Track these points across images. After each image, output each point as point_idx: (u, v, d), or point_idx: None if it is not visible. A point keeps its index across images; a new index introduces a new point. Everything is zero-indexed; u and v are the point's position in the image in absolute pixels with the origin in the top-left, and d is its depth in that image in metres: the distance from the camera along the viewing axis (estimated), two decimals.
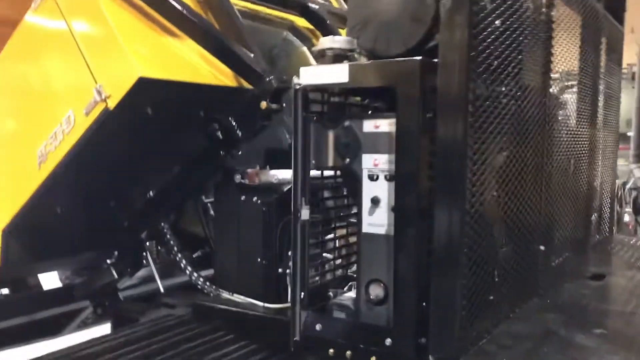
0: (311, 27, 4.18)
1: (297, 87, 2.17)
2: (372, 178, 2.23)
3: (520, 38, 2.25)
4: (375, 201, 2.22)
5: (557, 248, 2.84)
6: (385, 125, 2.20)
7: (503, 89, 2.13)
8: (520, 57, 2.27)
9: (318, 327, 2.32)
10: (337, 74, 2.21)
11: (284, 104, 3.34)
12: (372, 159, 2.23)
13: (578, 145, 3.17)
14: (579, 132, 3.17)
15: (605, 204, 3.92)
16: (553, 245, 2.79)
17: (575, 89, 3.07)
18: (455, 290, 1.90)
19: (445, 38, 1.88)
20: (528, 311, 2.40)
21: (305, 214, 2.16)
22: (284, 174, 3.29)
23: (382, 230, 2.22)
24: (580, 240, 3.36)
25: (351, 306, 2.34)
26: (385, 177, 2.21)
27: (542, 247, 2.60)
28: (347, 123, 2.27)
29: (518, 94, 2.27)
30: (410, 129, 2.08)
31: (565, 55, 2.78)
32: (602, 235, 3.89)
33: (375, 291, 2.24)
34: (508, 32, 2.12)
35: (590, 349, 2.03)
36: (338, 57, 2.31)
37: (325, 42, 2.31)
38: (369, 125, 2.24)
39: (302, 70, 2.29)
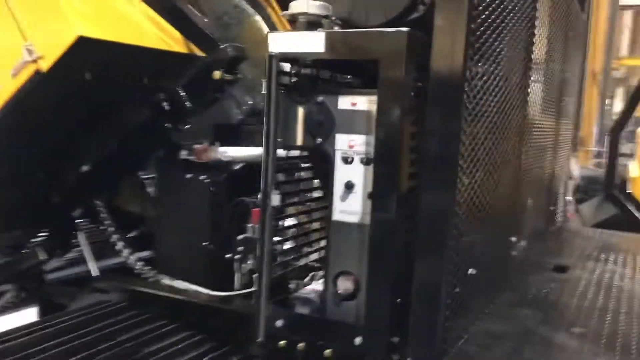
0: None
1: (273, 54, 1.91)
2: (347, 161, 2.01)
3: (510, 18, 2.08)
4: (349, 186, 2.01)
5: (525, 239, 2.73)
6: (363, 102, 1.99)
7: (493, 69, 1.95)
8: (507, 38, 2.10)
9: (279, 323, 2.10)
10: (312, 42, 1.97)
11: (239, 75, 3.09)
12: (347, 140, 2.01)
13: (545, 134, 3.07)
14: (545, 121, 3.07)
15: (561, 193, 3.89)
16: (522, 236, 2.68)
17: (542, 78, 2.95)
18: (440, 286, 1.72)
19: (442, 8, 1.67)
20: (502, 307, 2.28)
21: (275, 199, 1.92)
22: (236, 152, 3.03)
23: (355, 219, 2.01)
24: (541, 230, 3.29)
25: (316, 300, 2.12)
26: (362, 160, 1.99)
27: (513, 239, 2.48)
28: (320, 98, 2.04)
29: (504, 77, 2.10)
30: (393, 108, 1.87)
31: (542, 44, 2.65)
32: (555, 224, 3.86)
33: (345, 284, 2.04)
34: (501, 9, 1.94)
35: (572, 350, 1.91)
36: (312, 24, 2.07)
37: (298, 6, 2.05)
38: (345, 102, 2.01)
39: (272, 36, 2.03)
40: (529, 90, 2.47)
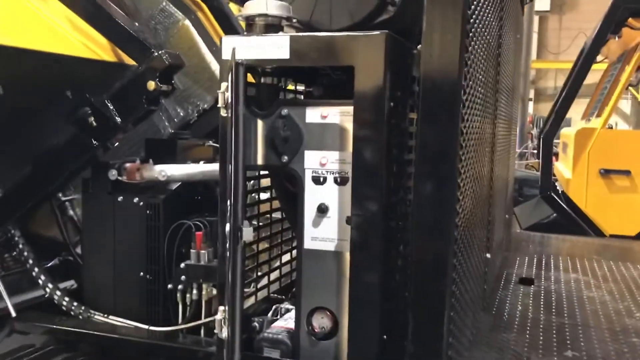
0: None
1: (240, 61, 1.63)
2: (318, 181, 1.77)
3: (488, 20, 1.92)
4: (322, 210, 1.76)
5: (494, 253, 2.59)
6: (334, 114, 1.75)
7: (477, 75, 1.76)
8: (486, 42, 1.93)
9: None
10: (276, 48, 1.71)
11: (175, 86, 2.79)
12: (318, 157, 1.77)
13: (503, 141, 2.95)
14: (503, 134, 2.95)
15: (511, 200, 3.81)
16: (492, 251, 2.53)
17: (505, 83, 2.83)
18: (442, 321, 1.50)
19: (434, 7, 1.45)
20: (484, 332, 2.11)
21: (248, 233, 1.64)
22: (175, 170, 2.73)
23: (330, 246, 1.77)
24: (500, 241, 3.17)
25: (287, 341, 1.86)
26: (335, 179, 1.76)
27: (488, 255, 2.32)
28: (284, 111, 1.78)
29: (484, 83, 1.93)
30: (373, 119, 1.65)
31: (507, 48, 2.52)
32: (510, 234, 3.78)
33: (321, 322, 1.79)
34: (484, 11, 1.76)
35: None
36: (270, 27, 1.81)
37: (256, 7, 1.79)
38: (313, 115, 1.77)
39: (227, 40, 1.75)
40: (497, 96, 2.32)
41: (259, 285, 2.17)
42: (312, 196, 1.78)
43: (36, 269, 2.85)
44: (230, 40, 1.75)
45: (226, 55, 1.73)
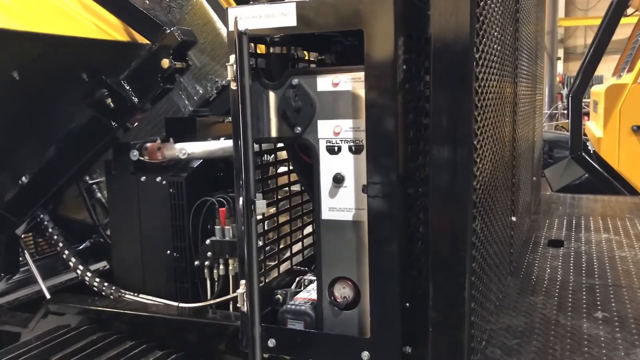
0: None
1: (243, 32, 1.59)
2: (333, 151, 1.74)
3: None
4: (338, 179, 1.73)
5: (517, 215, 2.53)
6: (346, 81, 1.70)
7: (492, 32, 1.70)
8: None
9: (271, 343, 1.82)
10: (282, 15, 1.67)
11: (190, 62, 2.77)
12: (331, 126, 1.73)
13: (527, 102, 2.86)
14: (527, 94, 2.86)
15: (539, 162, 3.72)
16: (518, 214, 2.47)
17: (526, 42, 2.73)
18: (463, 287, 1.47)
19: None
20: (512, 296, 2.06)
21: (261, 206, 1.62)
22: (195, 148, 2.73)
23: (348, 216, 1.74)
24: (528, 203, 3.10)
25: (310, 312, 1.85)
26: (350, 148, 1.72)
27: (514, 219, 2.27)
28: (295, 81, 1.74)
29: (501, 41, 1.86)
30: (384, 84, 1.60)
31: (526, 4, 2.42)
32: (539, 196, 3.69)
33: (343, 292, 1.78)
34: None
35: (605, 342, 1.71)
36: None
37: None
38: (325, 83, 1.73)
39: (232, 12, 1.71)
40: (517, 54, 2.24)
41: (281, 258, 2.16)
42: (327, 166, 1.75)
43: (67, 252, 2.89)
44: (235, 10, 1.71)
45: (232, 26, 1.69)
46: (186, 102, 3.68)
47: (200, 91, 3.71)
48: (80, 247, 3.38)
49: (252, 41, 1.77)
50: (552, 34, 12.93)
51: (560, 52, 19.84)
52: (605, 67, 7.30)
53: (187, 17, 3.61)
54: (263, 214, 1.76)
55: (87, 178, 3.33)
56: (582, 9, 20.79)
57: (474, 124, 1.44)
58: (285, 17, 1.68)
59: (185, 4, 3.62)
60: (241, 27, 1.64)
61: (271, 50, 1.82)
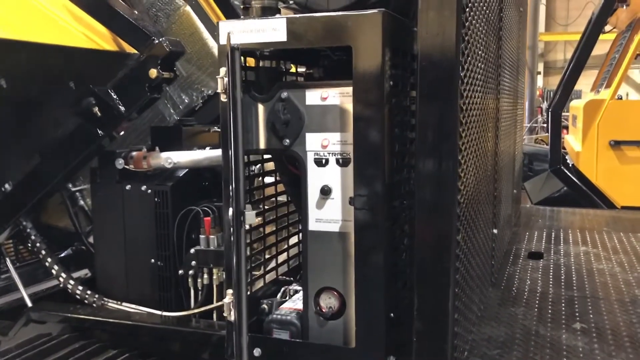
0: None
1: (235, 46, 1.62)
2: (320, 163, 1.77)
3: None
4: (325, 191, 1.77)
5: (502, 229, 2.58)
6: (334, 95, 1.74)
7: (476, 49, 1.75)
8: (484, 16, 1.90)
9: (257, 352, 1.84)
10: (272, 30, 1.71)
11: (177, 73, 2.79)
12: (319, 139, 1.77)
13: (508, 116, 2.92)
14: (508, 109, 2.92)
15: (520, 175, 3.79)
16: (500, 226, 2.52)
17: (507, 57, 2.80)
18: (447, 298, 1.51)
19: None
20: (492, 306, 2.11)
21: (250, 217, 1.64)
22: (181, 157, 2.74)
23: (335, 227, 1.78)
24: (509, 215, 3.16)
25: (296, 322, 1.87)
26: (337, 161, 1.76)
27: (495, 231, 2.31)
28: (284, 94, 1.78)
29: (484, 58, 1.91)
30: (372, 99, 1.64)
31: (508, 20, 2.48)
32: (519, 208, 3.76)
33: (328, 302, 1.81)
34: None
35: (583, 352, 1.75)
36: (267, 10, 1.81)
37: None
38: (313, 97, 1.76)
39: (223, 26, 1.75)
40: (499, 71, 2.29)
41: (267, 268, 2.19)
42: (315, 178, 1.78)
43: (49, 259, 2.88)
44: (226, 24, 1.74)
45: (223, 40, 1.72)
46: (172, 111, 3.70)
47: (186, 100, 3.73)
48: (62, 255, 3.36)
49: (243, 54, 1.80)
50: (532, 49, 13.14)
51: (541, 67, 20.13)
52: (585, 82, 7.43)
53: (174, 26, 3.63)
54: (251, 225, 1.78)
55: (70, 185, 3.32)
56: (562, 24, 21.14)
57: (459, 139, 1.48)
58: (275, 32, 1.71)
59: (172, 13, 3.65)
60: (233, 42, 1.67)
61: (261, 63, 1.85)
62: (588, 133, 5.69)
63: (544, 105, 14.90)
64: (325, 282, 1.81)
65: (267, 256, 2.18)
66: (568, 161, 6.23)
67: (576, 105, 6.47)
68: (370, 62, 1.63)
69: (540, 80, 19.13)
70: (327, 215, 1.78)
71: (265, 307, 2.00)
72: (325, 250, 1.79)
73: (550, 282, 2.45)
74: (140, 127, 3.45)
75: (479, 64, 1.80)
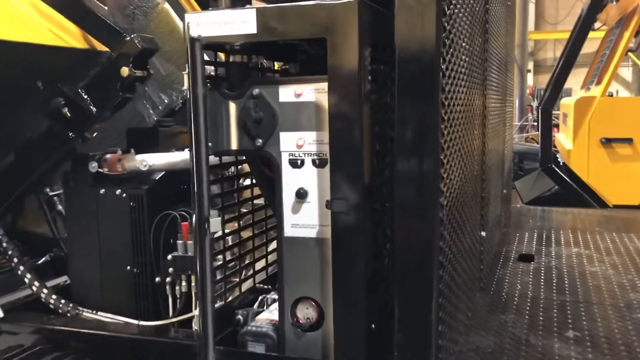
0: None
1: (196, 38, 1.50)
2: (296, 164, 1.66)
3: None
4: (301, 195, 1.65)
5: (490, 231, 2.48)
6: (309, 92, 1.63)
7: (459, 42, 1.64)
8: (469, 8, 1.80)
9: None
10: (242, 22, 1.59)
11: (151, 71, 2.68)
12: (294, 139, 1.65)
13: (496, 115, 2.82)
14: (497, 106, 2.82)
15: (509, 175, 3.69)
16: (488, 228, 2.42)
17: (495, 54, 2.70)
18: (430, 309, 1.40)
19: None
20: (480, 313, 2.00)
21: (215, 224, 1.53)
22: (157, 159, 2.62)
23: (312, 233, 1.66)
24: (498, 217, 3.06)
25: (272, 334, 1.76)
26: (314, 162, 1.64)
27: (483, 234, 2.21)
28: (255, 91, 1.66)
29: (469, 52, 1.80)
30: (348, 95, 1.53)
31: (495, 17, 2.38)
32: (509, 209, 3.66)
33: (306, 312, 1.69)
34: None
35: None
36: (237, 1, 1.70)
37: None
38: (287, 93, 1.65)
39: (190, 17, 1.63)
40: (486, 66, 2.19)
41: (243, 276, 2.07)
42: (290, 181, 1.67)
43: (21, 267, 2.75)
44: (193, 17, 1.63)
45: (192, 32, 1.61)
46: (151, 111, 3.57)
47: (166, 100, 3.61)
48: (40, 262, 3.24)
49: (212, 49, 1.69)
50: (522, 47, 13.09)
51: (530, 65, 20.10)
52: (574, 80, 7.37)
53: (152, 24, 3.51)
54: (224, 231, 1.67)
55: (48, 190, 3.20)
56: (552, 23, 21.13)
57: (441, 137, 1.38)
58: (245, 24, 1.60)
59: (150, 11, 3.52)
60: (196, 34, 1.56)
61: (231, 58, 1.73)
62: (579, 131, 5.61)
63: (534, 104, 14.86)
64: (302, 291, 1.69)
65: (243, 263, 2.06)
66: (559, 159, 6.15)
67: (567, 103, 6.39)
68: (346, 56, 1.52)
69: (530, 79, 19.12)
70: (304, 220, 1.67)
71: (241, 317, 1.89)
72: (302, 257, 1.68)
73: (542, 287, 2.35)
74: (119, 129, 3.34)
75: (463, 57, 1.69)
